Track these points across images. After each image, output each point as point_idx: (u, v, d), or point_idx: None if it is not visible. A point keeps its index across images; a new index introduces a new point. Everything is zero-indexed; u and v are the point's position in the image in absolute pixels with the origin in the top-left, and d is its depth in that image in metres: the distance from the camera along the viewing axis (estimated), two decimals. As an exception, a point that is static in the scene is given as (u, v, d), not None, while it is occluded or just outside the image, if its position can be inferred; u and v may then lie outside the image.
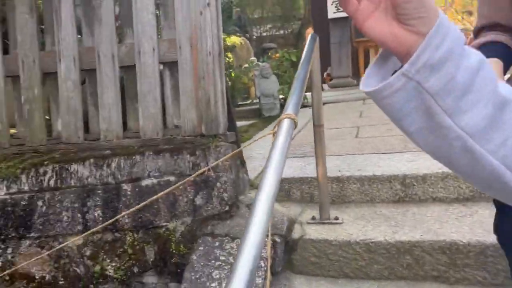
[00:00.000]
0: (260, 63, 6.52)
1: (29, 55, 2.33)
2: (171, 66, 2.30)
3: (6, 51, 2.48)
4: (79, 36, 2.44)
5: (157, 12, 2.37)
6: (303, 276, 1.99)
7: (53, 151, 2.35)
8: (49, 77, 2.44)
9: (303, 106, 4.23)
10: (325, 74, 7.63)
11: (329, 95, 6.09)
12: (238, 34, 8.46)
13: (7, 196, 2.25)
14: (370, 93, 0.41)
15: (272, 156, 0.89)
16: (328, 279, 1.94)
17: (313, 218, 2.21)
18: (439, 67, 0.36)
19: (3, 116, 2.39)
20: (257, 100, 6.00)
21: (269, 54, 8.10)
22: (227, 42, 6.87)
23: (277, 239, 1.96)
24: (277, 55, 7.05)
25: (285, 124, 1.02)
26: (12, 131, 2.60)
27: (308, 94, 2.41)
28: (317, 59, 2.07)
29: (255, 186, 2.63)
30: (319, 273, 1.97)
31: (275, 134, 1.00)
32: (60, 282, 2.19)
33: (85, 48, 2.37)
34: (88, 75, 2.43)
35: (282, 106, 5.99)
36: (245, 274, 0.57)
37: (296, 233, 2.08)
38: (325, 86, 7.42)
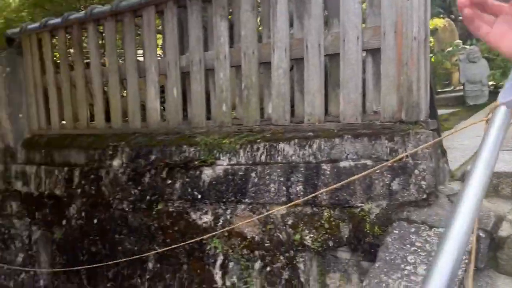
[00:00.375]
0: (466, 46, 5.91)
1: (249, 47, 2.66)
2: (374, 52, 2.32)
3: (230, 45, 2.87)
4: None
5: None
6: (509, 278, 1.83)
7: (264, 131, 2.64)
8: (263, 66, 2.71)
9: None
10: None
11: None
12: (441, 15, 7.78)
13: (229, 167, 2.64)
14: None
15: (484, 146, 0.85)
16: (541, 286, 1.75)
17: (526, 217, 1.99)
18: None
19: (228, 101, 2.82)
20: (461, 87, 5.48)
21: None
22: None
23: (481, 234, 1.84)
24: (489, 36, 6.24)
25: (501, 111, 0.97)
26: (233, 113, 3.03)
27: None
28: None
29: (456, 177, 2.48)
30: (530, 277, 1.78)
31: (487, 122, 0.96)
32: (266, 244, 2.45)
33: (294, 39, 2.56)
34: (295, 63, 2.62)
35: (492, 94, 5.32)
36: (447, 264, 0.56)
37: (504, 231, 1.91)
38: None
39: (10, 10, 5.12)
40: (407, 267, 1.79)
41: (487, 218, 1.93)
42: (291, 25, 2.64)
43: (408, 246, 1.89)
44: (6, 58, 3.97)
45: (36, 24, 3.76)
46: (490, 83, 5.04)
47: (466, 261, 1.69)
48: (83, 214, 3.38)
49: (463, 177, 2.37)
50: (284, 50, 2.54)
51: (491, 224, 1.91)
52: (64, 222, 3.52)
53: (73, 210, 3.44)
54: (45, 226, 3.70)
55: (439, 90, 6.20)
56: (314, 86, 2.46)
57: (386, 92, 2.24)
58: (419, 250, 1.85)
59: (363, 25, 2.33)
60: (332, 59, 2.48)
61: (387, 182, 2.14)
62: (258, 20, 2.78)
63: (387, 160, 2.12)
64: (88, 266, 3.25)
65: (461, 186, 0.70)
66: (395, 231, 2.00)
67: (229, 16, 2.91)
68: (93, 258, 3.26)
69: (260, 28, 2.83)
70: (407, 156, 2.07)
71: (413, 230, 1.95)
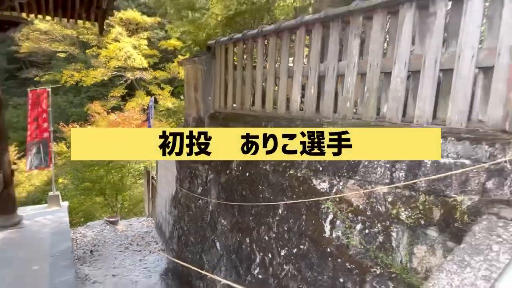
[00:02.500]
0: None
1: (375, 60, 2.55)
2: (487, 71, 2.05)
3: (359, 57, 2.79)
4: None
5: (483, 23, 2.12)
6: None
7: (378, 125, 2.50)
8: (383, 74, 2.58)
9: None
10: None
11: None
12: None
13: None
14: None
15: None
16: None
17: None
18: None
19: (351, 99, 2.74)
20: None
21: None
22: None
23: None
24: None
25: None
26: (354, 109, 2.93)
27: None
28: None
29: None
30: None
31: None
32: (368, 213, 2.40)
33: (414, 55, 2.38)
34: (412, 74, 2.43)
35: None
36: None
37: None
38: None
39: (209, 28, 5.75)
40: (491, 254, 1.60)
41: None
42: (412, 42, 2.46)
43: (494, 237, 1.67)
44: (204, 60, 4.50)
45: (225, 38, 4.15)
46: None
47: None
48: (240, 168, 3.68)
49: None
50: (404, 64, 2.39)
51: None
52: (227, 171, 3.89)
53: (234, 165, 3.78)
54: (216, 172, 4.15)
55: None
56: (427, 94, 2.27)
57: (494, 105, 1.97)
58: (504, 242, 1.63)
59: (479, 45, 2.06)
60: (446, 73, 2.25)
61: (482, 181, 1.90)
62: (385, 38, 2.63)
63: (485, 163, 1.89)
64: (239, 203, 3.61)
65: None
66: (483, 222, 1.78)
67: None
68: (243, 198, 3.58)
69: (385, 45, 2.70)
70: (505, 161, 1.82)
71: (501, 224, 1.72)
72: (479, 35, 2.04)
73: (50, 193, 7.57)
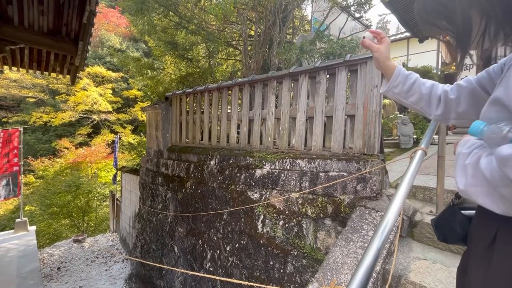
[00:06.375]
0: (401, 115, 5.75)
1: (285, 109, 2.74)
2: (351, 117, 2.36)
3: (275, 107, 2.99)
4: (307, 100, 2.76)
5: (347, 89, 2.50)
6: (419, 243, 1.79)
7: (289, 152, 2.68)
8: (291, 119, 2.76)
9: (432, 144, 3.59)
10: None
11: (452, 138, 4.92)
12: (387, 98, 7.58)
13: (270, 170, 2.65)
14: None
15: (408, 170, 0.82)
16: (437, 249, 1.70)
17: (431, 211, 1.95)
18: None
19: (271, 135, 2.89)
20: (397, 138, 5.32)
21: (409, 110, 6.98)
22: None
23: (405, 218, 1.83)
24: (416, 110, 6.05)
25: (419, 153, 0.91)
26: (273, 141, 3.09)
27: (436, 137, 2.12)
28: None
29: (392, 186, 2.45)
30: (430, 244, 1.73)
31: (411, 158, 0.90)
32: (286, 212, 2.45)
33: (309, 107, 2.62)
34: (309, 119, 2.66)
35: (414, 143, 5.10)
36: (386, 228, 0.63)
37: (417, 217, 1.88)
38: (450, 132, 6.00)
39: (166, 83, 5.59)
40: (363, 231, 1.80)
41: (408, 209, 1.91)
42: (308, 98, 2.73)
43: (364, 220, 1.89)
44: (164, 106, 4.30)
45: (180, 91, 4.06)
46: (414, 136, 4.85)
47: (395, 230, 1.71)
48: (193, 187, 3.49)
49: (396, 186, 2.35)
50: (304, 112, 2.62)
51: (410, 213, 1.89)
52: (183, 190, 3.65)
53: (188, 184, 3.57)
54: (173, 191, 3.87)
55: (385, 138, 6.00)
56: (318, 131, 2.52)
57: (357, 138, 2.28)
58: (369, 222, 1.85)
59: (346, 102, 2.40)
60: (328, 118, 2.53)
61: (354, 185, 2.13)
62: (291, 95, 2.88)
63: (355, 174, 2.15)
64: (193, 214, 3.40)
65: (395, 191, 0.75)
66: (357, 212, 1.99)
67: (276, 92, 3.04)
68: (196, 210, 3.39)
69: (291, 99, 2.94)
70: (366, 172, 2.10)
71: (367, 212, 1.95)
72: (345, 95, 2.39)
73: (17, 220, 6.10)
